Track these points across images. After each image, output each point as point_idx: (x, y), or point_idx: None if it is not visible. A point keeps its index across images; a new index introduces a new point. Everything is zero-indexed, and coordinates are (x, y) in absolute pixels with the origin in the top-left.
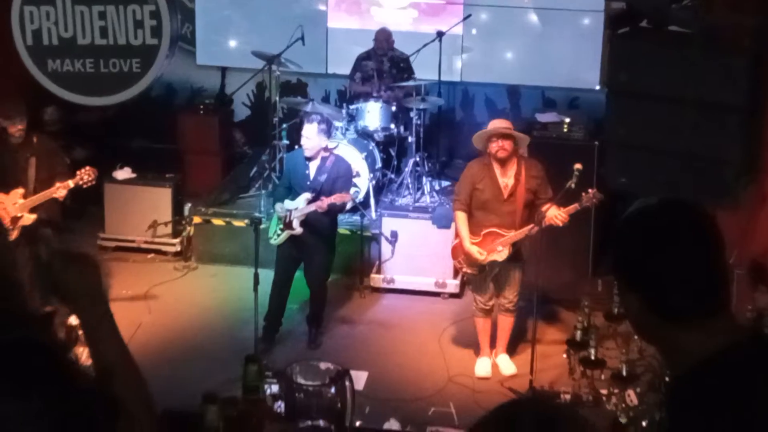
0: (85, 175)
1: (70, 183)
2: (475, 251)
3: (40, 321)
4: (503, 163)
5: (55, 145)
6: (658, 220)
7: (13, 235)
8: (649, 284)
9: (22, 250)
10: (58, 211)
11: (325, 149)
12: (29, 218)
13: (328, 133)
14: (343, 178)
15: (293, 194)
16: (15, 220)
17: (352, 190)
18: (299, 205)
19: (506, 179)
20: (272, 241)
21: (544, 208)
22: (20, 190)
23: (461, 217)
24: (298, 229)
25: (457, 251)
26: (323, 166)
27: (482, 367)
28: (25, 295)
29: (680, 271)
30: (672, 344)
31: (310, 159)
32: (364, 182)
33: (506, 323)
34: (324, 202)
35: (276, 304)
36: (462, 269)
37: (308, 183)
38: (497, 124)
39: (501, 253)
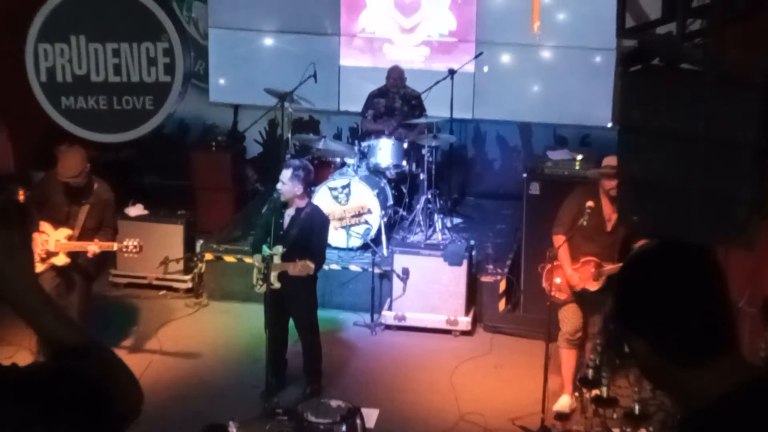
0: (131, 246)
1: (114, 246)
2: (576, 278)
3: (78, 351)
4: (613, 199)
5: (112, 197)
6: (657, 263)
7: (39, 268)
8: (653, 327)
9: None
10: (93, 263)
11: (301, 197)
12: (62, 260)
13: (305, 181)
14: (318, 233)
15: (270, 239)
16: (49, 254)
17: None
18: (274, 259)
19: (611, 213)
20: (256, 290)
21: (637, 245)
22: (68, 231)
23: (561, 240)
24: (276, 284)
25: (551, 274)
26: (297, 218)
27: (562, 402)
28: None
29: (682, 313)
30: (680, 387)
31: (286, 206)
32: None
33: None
34: (292, 269)
35: (273, 353)
36: (550, 292)
37: (281, 233)
38: (611, 161)
39: (596, 284)
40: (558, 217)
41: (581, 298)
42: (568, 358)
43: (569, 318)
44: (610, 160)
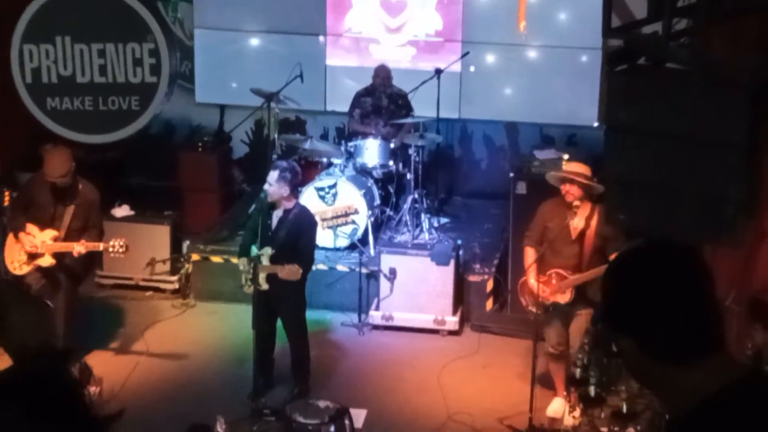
0: (118, 246)
1: (100, 246)
2: (540, 289)
3: (58, 356)
4: (573, 205)
5: (97, 198)
6: (644, 262)
7: (24, 269)
8: (640, 327)
9: (26, 286)
10: (80, 263)
11: (288, 199)
12: (47, 261)
13: (292, 183)
14: (306, 235)
15: (258, 240)
16: (34, 256)
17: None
18: (263, 261)
19: (577, 221)
20: (244, 290)
21: (612, 257)
22: (54, 232)
23: (530, 253)
24: (264, 286)
25: (523, 288)
26: (285, 219)
27: (554, 407)
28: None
29: (669, 312)
30: (668, 386)
31: (273, 207)
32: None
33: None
34: (280, 273)
35: (260, 353)
36: (527, 307)
37: (269, 234)
38: (568, 167)
39: (564, 296)
40: (528, 229)
41: (556, 311)
42: (556, 368)
43: (550, 331)
44: (569, 166)
